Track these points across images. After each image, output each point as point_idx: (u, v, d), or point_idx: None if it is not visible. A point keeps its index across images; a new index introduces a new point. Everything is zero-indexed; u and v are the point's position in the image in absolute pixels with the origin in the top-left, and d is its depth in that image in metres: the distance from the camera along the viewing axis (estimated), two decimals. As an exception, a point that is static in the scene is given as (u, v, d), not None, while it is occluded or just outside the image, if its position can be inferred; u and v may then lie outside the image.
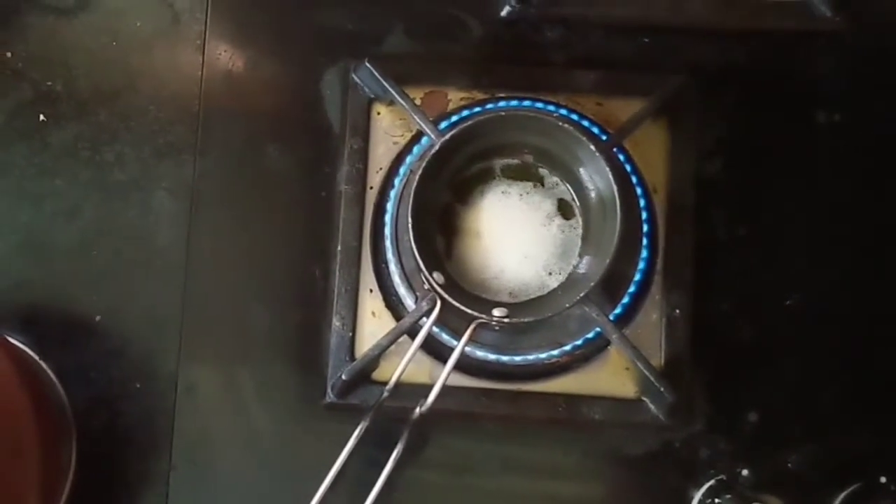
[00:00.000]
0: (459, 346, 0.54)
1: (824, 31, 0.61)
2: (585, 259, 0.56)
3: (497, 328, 0.55)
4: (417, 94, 0.59)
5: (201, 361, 0.58)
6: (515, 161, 0.58)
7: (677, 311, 0.57)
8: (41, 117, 0.60)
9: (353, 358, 0.57)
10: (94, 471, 0.57)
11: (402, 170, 0.59)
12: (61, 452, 0.55)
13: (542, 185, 0.58)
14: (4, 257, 0.59)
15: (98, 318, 0.58)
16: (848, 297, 0.59)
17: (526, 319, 0.53)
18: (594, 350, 0.57)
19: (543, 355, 0.57)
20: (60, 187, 0.60)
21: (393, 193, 0.58)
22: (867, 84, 0.61)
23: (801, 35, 0.61)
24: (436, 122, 0.57)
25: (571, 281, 0.56)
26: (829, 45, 0.61)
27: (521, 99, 0.59)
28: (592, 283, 0.52)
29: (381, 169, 0.59)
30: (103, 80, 0.61)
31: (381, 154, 0.59)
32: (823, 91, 0.61)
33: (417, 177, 0.54)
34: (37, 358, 0.57)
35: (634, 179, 0.58)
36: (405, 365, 0.54)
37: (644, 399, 0.57)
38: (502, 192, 0.58)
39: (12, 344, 0.55)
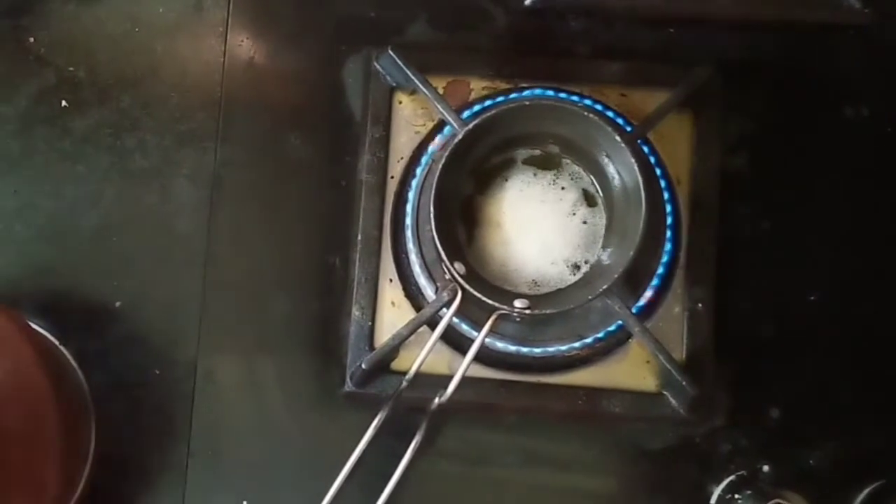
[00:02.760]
0: (480, 338, 0.53)
1: (852, 23, 0.60)
2: (609, 251, 0.56)
3: (518, 319, 0.55)
4: (440, 83, 0.58)
5: (220, 349, 0.58)
6: (538, 151, 0.58)
7: (700, 305, 0.57)
8: (63, 103, 0.60)
9: (372, 347, 0.57)
10: (113, 456, 0.57)
11: (423, 159, 0.58)
12: (81, 437, 0.56)
13: (566, 175, 0.58)
14: (26, 243, 0.59)
15: (118, 304, 0.58)
16: (872, 293, 0.58)
17: (547, 311, 0.53)
18: (615, 343, 0.57)
19: (564, 347, 0.56)
20: (82, 173, 0.60)
21: (414, 183, 0.58)
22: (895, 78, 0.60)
23: (828, 28, 0.60)
24: (458, 112, 0.56)
25: (594, 273, 0.55)
26: (857, 38, 0.60)
27: (544, 89, 0.58)
28: (616, 276, 0.52)
29: (402, 158, 0.59)
30: (125, 67, 0.61)
31: (402, 143, 0.59)
32: (851, 85, 0.60)
33: (440, 166, 0.53)
34: (57, 343, 0.57)
35: (658, 171, 0.57)
36: (425, 355, 0.54)
37: (665, 393, 0.56)
38: (525, 183, 0.58)
39: (33, 329, 0.55)
